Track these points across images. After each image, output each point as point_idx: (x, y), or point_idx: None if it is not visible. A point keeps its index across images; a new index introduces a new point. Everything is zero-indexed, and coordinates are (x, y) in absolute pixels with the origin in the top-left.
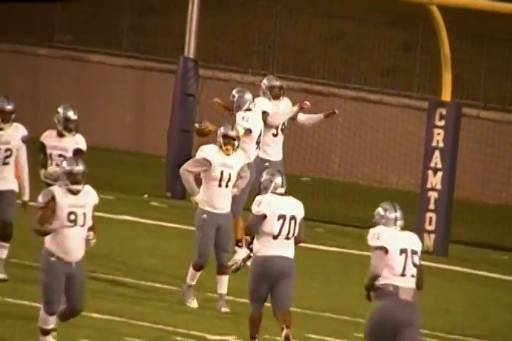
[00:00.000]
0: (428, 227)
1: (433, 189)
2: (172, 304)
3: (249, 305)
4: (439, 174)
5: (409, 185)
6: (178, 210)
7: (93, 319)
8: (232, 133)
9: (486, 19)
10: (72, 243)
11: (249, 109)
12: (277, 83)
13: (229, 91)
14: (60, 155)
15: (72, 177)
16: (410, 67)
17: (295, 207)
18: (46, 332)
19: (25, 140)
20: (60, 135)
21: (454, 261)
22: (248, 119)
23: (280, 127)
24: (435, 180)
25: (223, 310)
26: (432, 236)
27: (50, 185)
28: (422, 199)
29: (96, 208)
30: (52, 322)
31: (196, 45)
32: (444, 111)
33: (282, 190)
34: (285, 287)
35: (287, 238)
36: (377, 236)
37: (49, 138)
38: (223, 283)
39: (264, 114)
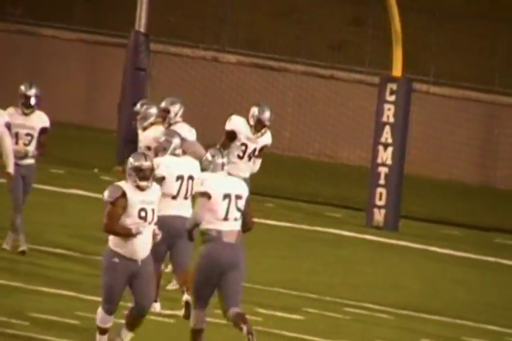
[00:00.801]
0: (378, 202)
1: (383, 164)
2: None
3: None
4: (390, 149)
5: (360, 160)
6: None
7: (45, 293)
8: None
9: None
10: (141, 241)
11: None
12: (266, 118)
13: (181, 65)
14: (28, 134)
15: (140, 173)
16: (361, 42)
17: (193, 167)
18: (104, 331)
19: (8, 125)
20: (25, 113)
21: (405, 236)
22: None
23: (248, 151)
24: (386, 155)
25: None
26: (383, 211)
27: (16, 164)
28: (373, 175)
29: (47, 182)
30: (110, 321)
31: (147, 19)
32: (394, 87)
33: (180, 151)
34: (184, 246)
35: (185, 198)
36: (201, 182)
37: (13, 115)
38: None
39: (232, 133)
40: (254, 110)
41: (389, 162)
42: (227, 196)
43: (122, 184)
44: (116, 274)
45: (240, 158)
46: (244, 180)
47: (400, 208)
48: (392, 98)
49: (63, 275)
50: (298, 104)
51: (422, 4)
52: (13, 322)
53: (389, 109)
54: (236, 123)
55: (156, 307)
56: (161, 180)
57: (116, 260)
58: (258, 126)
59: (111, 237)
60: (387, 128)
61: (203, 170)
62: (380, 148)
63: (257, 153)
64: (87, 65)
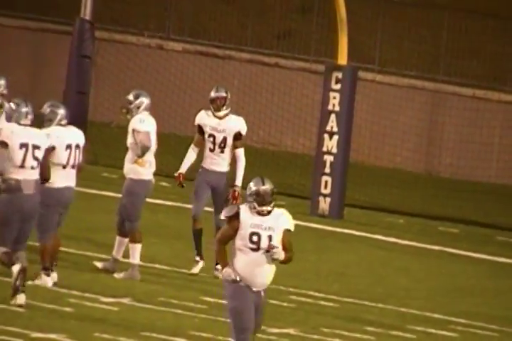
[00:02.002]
0: (323, 191)
1: (329, 152)
2: (68, 266)
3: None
4: (335, 137)
5: (304, 148)
6: None
7: None
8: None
9: None
10: (257, 268)
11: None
12: (218, 94)
13: (125, 53)
14: None
15: (259, 198)
16: (307, 30)
17: (79, 136)
18: None
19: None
20: None
21: (350, 224)
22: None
23: (217, 142)
24: (331, 144)
25: (116, 275)
26: (328, 199)
27: None
28: (318, 163)
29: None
30: None
31: (93, 6)
32: (340, 75)
33: (65, 122)
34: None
35: (73, 167)
36: None
37: None
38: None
39: (199, 127)
40: (211, 92)
41: (334, 150)
42: (23, 145)
43: (242, 205)
44: (243, 298)
45: (211, 150)
46: (222, 174)
47: (344, 196)
48: (338, 86)
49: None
50: (242, 92)
51: None
52: None
53: (334, 98)
54: (198, 116)
55: (48, 281)
56: (51, 150)
57: (242, 283)
58: (214, 105)
59: (235, 262)
60: (333, 117)
61: (8, 119)
62: (326, 136)
63: (229, 142)
64: (31, 52)
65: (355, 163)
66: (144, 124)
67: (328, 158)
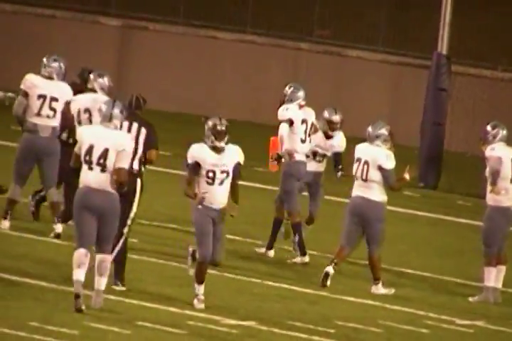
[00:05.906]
0: None
1: None
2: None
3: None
4: None
5: None
6: (430, 199)
7: None
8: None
9: None
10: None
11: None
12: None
13: (479, 86)
14: None
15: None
16: None
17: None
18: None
19: None
20: None
21: None
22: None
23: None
24: None
25: (470, 299)
26: None
27: None
28: None
29: None
30: None
31: (449, 41)
32: None
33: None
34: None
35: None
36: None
37: None
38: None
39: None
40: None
41: None
42: (41, 96)
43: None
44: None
45: (303, 141)
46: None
47: None
48: None
49: None
50: None
51: None
52: None
53: None
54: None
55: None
56: None
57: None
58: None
59: None
60: None
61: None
62: None
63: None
64: (391, 85)
65: None
66: (494, 152)
67: None
